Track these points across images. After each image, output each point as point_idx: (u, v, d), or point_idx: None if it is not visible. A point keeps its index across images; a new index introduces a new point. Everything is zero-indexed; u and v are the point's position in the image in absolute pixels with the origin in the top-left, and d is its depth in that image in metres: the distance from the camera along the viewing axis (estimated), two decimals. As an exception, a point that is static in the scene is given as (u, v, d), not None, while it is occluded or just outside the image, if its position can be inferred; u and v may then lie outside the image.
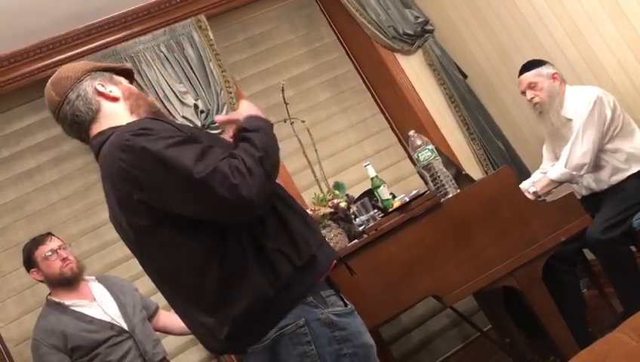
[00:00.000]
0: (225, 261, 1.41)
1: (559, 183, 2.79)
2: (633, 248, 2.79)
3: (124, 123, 1.52)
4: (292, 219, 1.49)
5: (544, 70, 2.89)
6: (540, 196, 2.75)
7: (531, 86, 2.90)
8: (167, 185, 1.36)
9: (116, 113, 1.57)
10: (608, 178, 2.80)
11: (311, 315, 1.45)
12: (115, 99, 1.58)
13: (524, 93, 2.95)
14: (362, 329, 1.53)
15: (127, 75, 1.72)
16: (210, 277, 1.41)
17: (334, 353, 1.45)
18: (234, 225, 1.42)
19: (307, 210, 2.15)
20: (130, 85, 1.67)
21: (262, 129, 1.50)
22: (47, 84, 1.65)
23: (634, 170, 2.75)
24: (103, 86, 1.58)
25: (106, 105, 1.57)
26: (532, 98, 2.90)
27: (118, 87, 1.61)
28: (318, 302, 1.47)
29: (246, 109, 1.58)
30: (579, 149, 2.73)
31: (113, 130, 1.50)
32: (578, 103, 2.78)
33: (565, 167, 2.75)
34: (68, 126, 1.61)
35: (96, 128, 1.56)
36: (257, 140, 1.44)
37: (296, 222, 1.49)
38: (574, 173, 2.74)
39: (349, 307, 1.54)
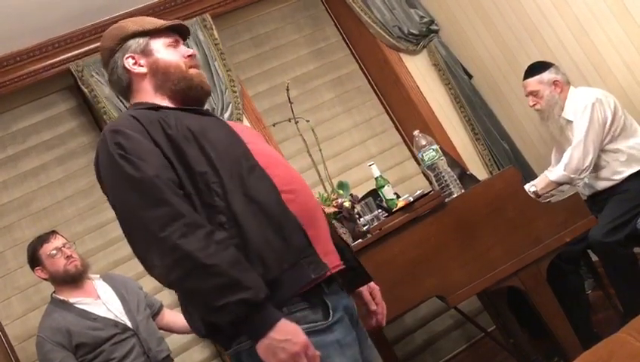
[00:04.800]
0: None
1: (559, 184, 2.80)
2: (637, 249, 2.78)
3: (147, 100, 1.55)
4: (257, 228, 1.38)
5: (546, 76, 2.90)
6: (539, 196, 2.75)
7: (532, 93, 2.94)
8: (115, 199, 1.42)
9: (142, 90, 1.58)
10: (609, 176, 2.81)
11: None
12: (143, 76, 1.57)
13: (527, 96, 2.99)
14: (337, 346, 1.38)
15: (176, 31, 1.63)
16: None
17: None
18: None
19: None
20: (162, 54, 1.57)
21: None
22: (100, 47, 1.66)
23: (635, 169, 2.75)
24: (133, 59, 1.57)
25: (133, 81, 1.58)
26: (534, 105, 2.96)
27: (149, 58, 1.57)
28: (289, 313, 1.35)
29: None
30: (579, 153, 2.74)
31: (139, 105, 1.54)
32: (578, 106, 2.80)
33: (564, 170, 2.76)
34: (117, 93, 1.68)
35: (132, 100, 1.61)
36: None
37: (261, 233, 1.38)
38: (573, 176, 2.75)
39: (326, 321, 1.39)
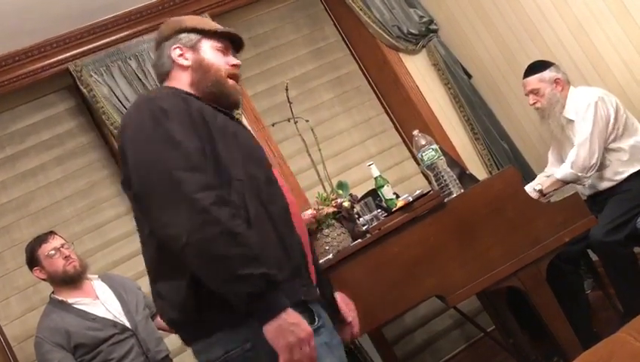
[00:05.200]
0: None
1: (565, 183, 2.79)
2: (638, 249, 2.78)
3: (181, 88, 1.60)
4: (265, 233, 1.45)
5: (547, 75, 2.89)
6: (544, 195, 2.75)
7: (533, 91, 2.92)
8: (136, 160, 1.42)
9: (179, 80, 1.64)
10: (611, 177, 2.80)
11: (259, 339, 1.34)
12: (184, 68, 1.64)
13: (527, 95, 2.96)
14: (322, 350, 1.42)
15: (230, 40, 1.71)
16: (163, 256, 1.43)
17: None
18: None
19: (310, 211, 2.15)
20: (208, 55, 1.65)
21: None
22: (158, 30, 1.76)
23: (636, 168, 2.75)
24: (180, 50, 1.64)
25: (175, 69, 1.65)
26: (534, 103, 2.93)
27: (195, 54, 1.64)
28: None
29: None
30: (585, 151, 2.72)
31: (164, 88, 1.60)
32: (579, 105, 2.79)
33: (572, 168, 2.74)
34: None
35: (165, 84, 1.67)
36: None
37: (269, 239, 1.45)
38: (580, 174, 2.74)
39: (314, 324, 1.43)
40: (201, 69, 1.63)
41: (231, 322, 1.40)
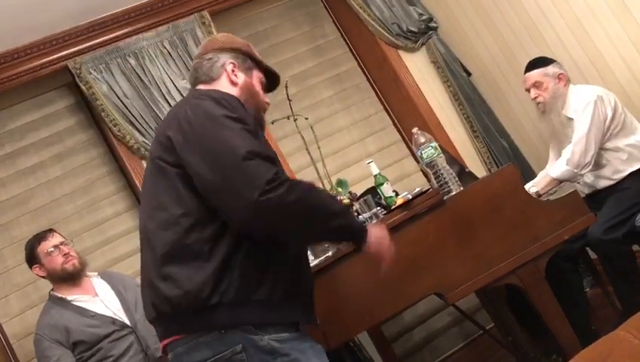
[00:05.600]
0: (210, 236, 1.43)
1: (560, 182, 2.79)
2: (636, 247, 2.78)
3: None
4: (286, 262, 1.51)
5: (550, 70, 2.88)
6: (541, 196, 2.74)
7: (536, 85, 2.89)
8: (201, 144, 1.44)
9: (227, 89, 1.67)
10: (610, 175, 2.80)
11: (249, 342, 1.40)
12: (234, 84, 1.69)
13: (528, 90, 2.95)
14: (310, 354, 1.48)
15: (270, 77, 1.81)
16: (190, 240, 1.43)
17: None
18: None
19: None
20: (257, 84, 1.74)
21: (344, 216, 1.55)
22: (213, 37, 1.86)
23: (635, 167, 2.75)
24: (234, 67, 1.71)
25: (223, 81, 1.70)
26: (536, 97, 2.91)
27: (246, 76, 1.72)
28: (257, 329, 1.42)
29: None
30: (580, 148, 2.72)
31: (215, 92, 1.61)
32: (579, 103, 2.79)
33: (567, 164, 2.74)
34: (190, 72, 1.77)
35: (202, 86, 1.71)
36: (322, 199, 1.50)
37: (288, 266, 1.51)
38: (575, 170, 2.73)
39: (293, 334, 1.48)
40: (248, 91, 1.70)
41: (230, 322, 1.41)
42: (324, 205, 1.48)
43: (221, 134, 1.42)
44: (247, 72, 1.72)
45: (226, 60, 1.70)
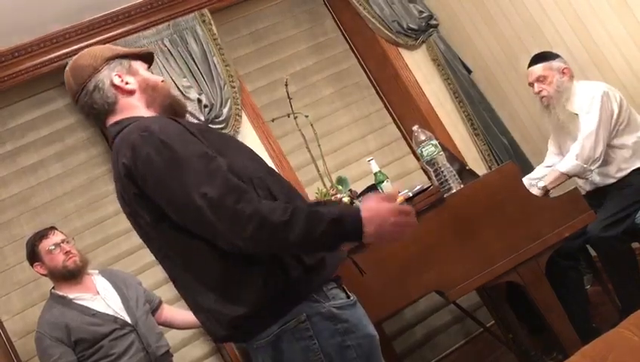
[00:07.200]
0: (230, 257, 1.42)
1: (569, 176, 2.75)
2: (636, 244, 2.78)
3: (141, 115, 1.55)
4: None
5: (555, 64, 2.86)
6: (549, 191, 2.72)
7: (540, 79, 2.86)
8: (162, 190, 1.40)
9: (132, 106, 1.59)
10: (614, 173, 2.79)
11: (312, 310, 1.45)
12: (131, 93, 1.59)
13: (531, 85, 2.91)
14: (365, 320, 1.54)
15: (147, 58, 1.71)
16: (216, 269, 1.43)
17: (337, 345, 1.45)
18: None
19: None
20: (146, 73, 1.65)
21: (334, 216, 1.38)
22: (67, 68, 1.64)
23: (637, 165, 2.74)
24: (120, 77, 1.59)
25: (122, 98, 1.58)
26: (540, 91, 2.87)
27: (135, 77, 1.61)
28: (319, 297, 1.48)
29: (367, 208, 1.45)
30: (590, 142, 2.68)
31: (129, 120, 1.53)
32: (584, 99, 2.76)
33: (576, 159, 2.70)
34: (86, 114, 1.64)
35: (113, 118, 1.58)
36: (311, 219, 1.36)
37: None
38: (585, 165, 2.69)
39: (352, 298, 1.54)
40: (149, 87, 1.61)
41: (289, 307, 1.45)
42: (306, 230, 1.36)
43: (172, 186, 1.38)
44: (130, 72, 1.61)
45: (108, 77, 1.57)
